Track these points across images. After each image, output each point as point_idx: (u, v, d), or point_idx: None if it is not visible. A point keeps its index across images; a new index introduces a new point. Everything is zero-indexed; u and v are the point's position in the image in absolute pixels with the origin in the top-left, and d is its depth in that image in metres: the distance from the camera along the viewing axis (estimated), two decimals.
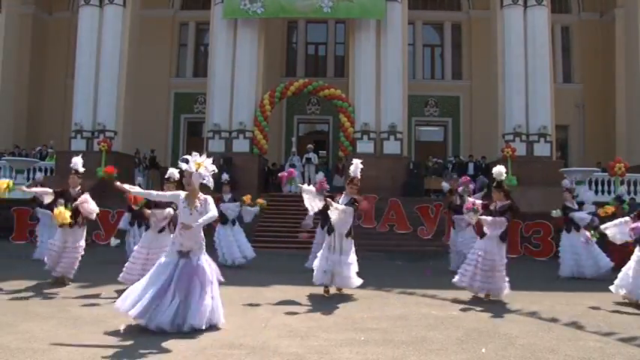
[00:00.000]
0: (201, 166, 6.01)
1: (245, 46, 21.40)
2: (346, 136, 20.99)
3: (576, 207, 11.79)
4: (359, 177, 8.60)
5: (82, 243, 9.22)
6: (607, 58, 25.22)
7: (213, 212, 6.13)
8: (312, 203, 8.71)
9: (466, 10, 26.91)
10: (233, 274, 11.10)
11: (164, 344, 5.27)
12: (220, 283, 6.27)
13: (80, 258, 9.17)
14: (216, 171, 6.21)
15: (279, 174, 10.13)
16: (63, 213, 8.63)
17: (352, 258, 8.42)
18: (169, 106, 26.95)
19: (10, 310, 6.72)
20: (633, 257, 8.15)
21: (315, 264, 8.47)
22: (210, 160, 6.14)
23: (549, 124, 20.73)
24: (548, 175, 18.73)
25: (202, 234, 6.16)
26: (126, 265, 8.16)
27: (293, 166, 20.99)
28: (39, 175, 16.39)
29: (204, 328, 5.73)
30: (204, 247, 6.18)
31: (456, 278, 8.39)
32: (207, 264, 6.10)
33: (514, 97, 20.83)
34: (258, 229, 16.84)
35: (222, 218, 12.03)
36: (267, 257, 13.79)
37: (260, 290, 8.84)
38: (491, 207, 8.41)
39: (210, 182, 6.10)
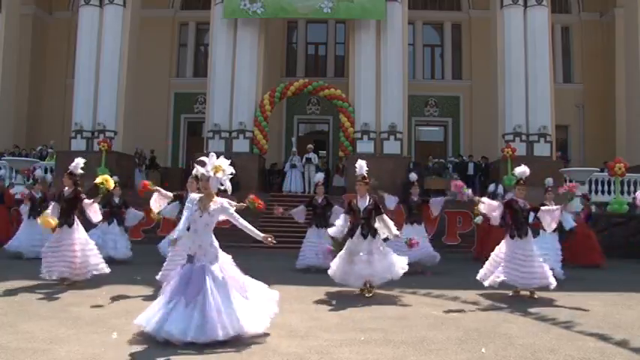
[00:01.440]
0: (220, 169, 5.73)
1: (245, 46, 21.41)
2: (346, 136, 21.00)
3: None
4: (365, 175, 8.63)
5: (75, 242, 9.08)
6: (607, 58, 25.24)
7: (236, 218, 5.95)
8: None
9: (466, 10, 26.92)
10: None
11: (164, 344, 5.27)
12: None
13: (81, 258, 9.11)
14: (234, 173, 5.89)
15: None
16: (45, 218, 8.68)
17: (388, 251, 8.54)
18: (169, 106, 26.96)
19: (10, 310, 6.72)
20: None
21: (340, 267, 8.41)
22: (228, 161, 5.85)
23: (549, 124, 20.74)
24: (548, 175, 18.69)
25: (214, 239, 5.84)
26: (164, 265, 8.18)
27: (294, 166, 21.01)
28: (39, 172, 16.32)
29: (220, 339, 5.26)
30: (217, 252, 5.82)
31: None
32: (219, 269, 5.70)
33: (514, 97, 20.83)
34: (259, 228, 16.81)
35: None
36: (266, 257, 13.79)
37: None
38: (516, 206, 8.59)
39: (228, 187, 5.84)
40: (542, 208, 8.74)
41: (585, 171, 18.95)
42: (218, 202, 5.85)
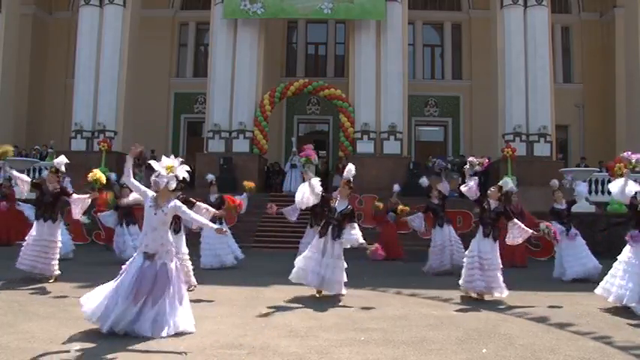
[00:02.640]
0: (171, 169, 5.89)
1: (245, 46, 21.41)
2: (346, 136, 21.00)
3: (563, 207, 11.54)
4: (351, 180, 8.62)
5: (58, 238, 9.22)
6: (607, 58, 25.23)
7: (188, 214, 6.12)
8: (305, 197, 8.62)
9: (466, 10, 26.90)
10: (233, 274, 11.13)
11: (164, 344, 5.28)
12: (189, 289, 6.40)
13: (57, 256, 9.17)
14: (187, 175, 6.06)
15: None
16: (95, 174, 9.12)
17: (343, 262, 8.40)
18: (169, 106, 26.95)
19: (10, 310, 6.72)
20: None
21: (300, 263, 8.38)
22: (179, 160, 6.03)
23: (549, 124, 20.74)
24: (548, 175, 18.73)
25: (170, 238, 6.03)
26: None
27: (294, 166, 21.00)
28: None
29: (163, 335, 5.50)
30: (172, 251, 5.99)
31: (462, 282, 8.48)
32: (173, 268, 5.88)
33: (514, 97, 20.83)
34: (259, 229, 16.84)
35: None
36: (267, 257, 13.79)
37: (260, 290, 8.84)
38: (484, 205, 8.45)
39: (170, 184, 5.92)
40: (515, 221, 8.44)
41: (585, 171, 18.95)
42: (172, 200, 5.99)
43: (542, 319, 6.88)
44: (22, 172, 19.09)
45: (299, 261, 8.42)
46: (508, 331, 6.17)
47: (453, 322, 6.64)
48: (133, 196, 7.02)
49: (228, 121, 21.18)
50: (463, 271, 8.50)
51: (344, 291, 8.32)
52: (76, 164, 13.40)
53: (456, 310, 7.48)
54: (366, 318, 6.86)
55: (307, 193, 8.56)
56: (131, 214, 12.87)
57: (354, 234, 8.19)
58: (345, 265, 8.39)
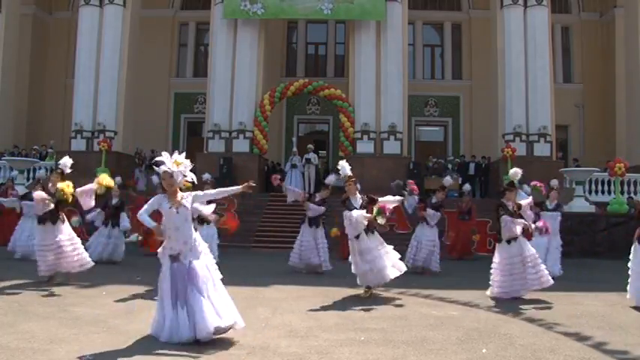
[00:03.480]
0: (179, 163, 5.66)
1: (245, 46, 21.42)
2: (346, 136, 21.00)
3: (552, 206, 11.79)
4: (350, 174, 8.67)
5: (64, 237, 9.08)
6: (607, 58, 25.23)
7: (211, 195, 5.94)
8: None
9: (466, 10, 26.90)
10: (232, 274, 11.12)
11: (164, 344, 5.27)
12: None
13: (73, 252, 9.09)
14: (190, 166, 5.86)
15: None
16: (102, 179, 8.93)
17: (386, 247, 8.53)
18: (169, 106, 26.96)
19: (10, 310, 6.72)
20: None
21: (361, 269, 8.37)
22: (183, 155, 5.78)
23: (549, 124, 20.75)
24: (548, 175, 18.72)
25: (193, 233, 5.66)
26: None
27: (294, 166, 21.01)
28: (42, 172, 16.36)
29: (211, 335, 5.27)
30: (197, 247, 5.63)
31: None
32: (202, 265, 5.57)
33: (514, 97, 20.84)
34: (259, 228, 16.84)
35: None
36: (267, 257, 13.79)
37: (260, 290, 8.84)
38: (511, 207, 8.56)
39: (193, 178, 5.81)
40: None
41: (585, 171, 18.96)
42: (185, 194, 5.73)
43: (542, 319, 6.88)
44: (22, 172, 19.26)
45: (359, 267, 8.36)
46: (508, 331, 6.16)
47: (453, 322, 6.64)
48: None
49: (228, 121, 21.19)
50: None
51: (392, 275, 8.39)
52: (76, 164, 13.35)
53: (456, 310, 7.48)
54: (366, 318, 6.85)
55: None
56: (117, 216, 12.77)
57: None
58: (390, 249, 8.52)
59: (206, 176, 12.57)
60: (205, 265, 5.61)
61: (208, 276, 5.55)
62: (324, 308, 7.46)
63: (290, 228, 15.20)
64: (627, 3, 23.18)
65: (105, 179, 9.00)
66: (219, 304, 5.45)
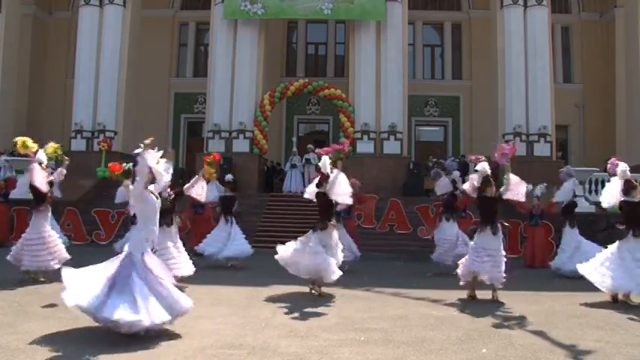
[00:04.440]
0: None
1: (245, 46, 21.41)
2: (346, 136, 20.97)
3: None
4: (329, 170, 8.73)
5: (42, 231, 9.20)
6: (607, 58, 25.22)
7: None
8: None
9: (466, 10, 26.90)
10: (233, 274, 11.14)
11: (164, 344, 5.28)
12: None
13: (46, 247, 9.15)
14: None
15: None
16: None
17: None
18: (169, 106, 26.95)
19: (10, 310, 6.72)
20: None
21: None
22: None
23: (549, 124, 20.74)
24: (548, 175, 18.73)
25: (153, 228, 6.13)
26: None
27: (294, 166, 21.00)
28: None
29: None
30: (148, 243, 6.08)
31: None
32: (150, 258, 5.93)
33: (514, 97, 20.84)
34: (260, 228, 16.84)
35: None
36: (268, 257, 13.74)
37: (260, 290, 8.84)
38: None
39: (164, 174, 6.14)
40: None
41: (585, 171, 18.95)
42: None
43: (542, 319, 6.88)
44: (21, 172, 19.27)
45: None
46: (508, 331, 6.17)
47: (453, 322, 6.64)
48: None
49: (228, 121, 21.18)
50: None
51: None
52: (76, 164, 13.40)
53: (456, 311, 7.48)
54: (366, 318, 6.85)
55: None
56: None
57: None
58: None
59: (228, 177, 12.87)
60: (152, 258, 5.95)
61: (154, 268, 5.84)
62: (324, 308, 7.46)
63: (291, 228, 15.19)
64: (627, 3, 23.18)
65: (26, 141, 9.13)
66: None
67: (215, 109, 21.29)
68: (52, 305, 6.82)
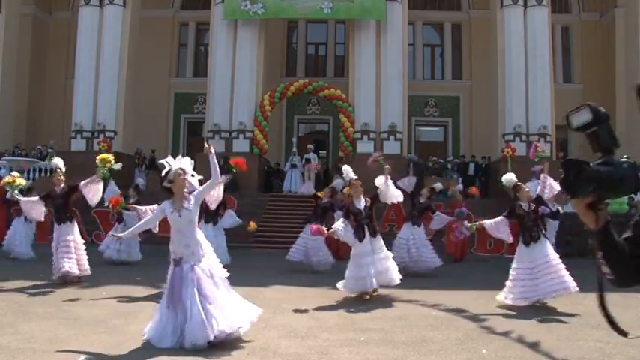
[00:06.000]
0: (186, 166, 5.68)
1: (245, 46, 21.41)
2: (346, 136, 21.00)
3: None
4: (355, 177, 8.65)
5: (72, 238, 9.20)
6: (607, 57, 25.23)
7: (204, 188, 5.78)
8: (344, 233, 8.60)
9: (466, 10, 26.90)
10: (232, 274, 11.10)
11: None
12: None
13: (78, 254, 9.16)
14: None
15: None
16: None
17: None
18: (169, 106, 26.95)
19: (10, 310, 6.72)
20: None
21: (354, 273, 8.28)
22: (187, 158, 5.82)
23: (549, 124, 20.75)
24: (550, 175, 18.71)
25: (196, 236, 5.55)
26: None
27: (294, 166, 21.01)
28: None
29: (209, 341, 5.09)
30: (199, 250, 5.51)
31: None
32: (205, 270, 5.43)
33: (514, 97, 20.85)
34: (259, 229, 16.81)
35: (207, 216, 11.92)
36: (267, 257, 13.79)
37: (260, 290, 8.82)
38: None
39: (196, 178, 5.79)
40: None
41: None
42: (187, 195, 5.62)
43: (542, 319, 6.88)
44: (22, 172, 19.29)
45: (352, 271, 8.28)
46: (508, 331, 6.16)
47: (453, 323, 6.64)
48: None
49: (228, 121, 21.18)
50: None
51: (395, 279, 8.48)
52: (76, 164, 13.37)
53: (456, 310, 7.47)
54: (366, 318, 6.86)
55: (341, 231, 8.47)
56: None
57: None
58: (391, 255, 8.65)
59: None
60: (208, 268, 5.50)
61: (210, 280, 5.41)
62: (324, 308, 7.46)
63: (290, 228, 15.20)
64: (627, 3, 23.20)
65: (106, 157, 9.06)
66: (222, 309, 5.28)
67: (215, 109, 21.30)
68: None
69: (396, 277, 8.48)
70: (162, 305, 5.39)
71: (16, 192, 9.72)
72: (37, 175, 20.17)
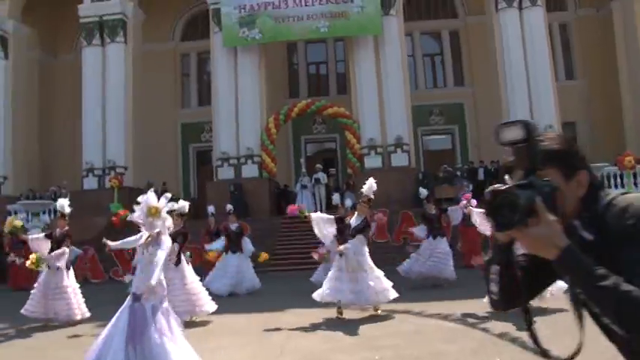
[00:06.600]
0: (156, 212, 5.32)
1: (246, 71, 21.65)
2: (353, 153, 21.07)
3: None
4: (372, 197, 8.71)
5: (67, 284, 9.17)
6: (608, 51, 25.13)
7: (159, 254, 5.30)
8: (324, 231, 8.81)
9: (462, 17, 27.00)
10: (248, 299, 11.19)
11: None
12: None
13: (73, 299, 9.11)
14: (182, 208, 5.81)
15: (288, 210, 10.38)
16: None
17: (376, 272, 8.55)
18: (177, 137, 27.20)
19: (27, 357, 6.82)
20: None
21: (329, 284, 8.42)
22: (167, 201, 5.54)
23: (555, 123, 20.69)
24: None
25: (160, 276, 5.28)
26: None
27: (304, 187, 21.04)
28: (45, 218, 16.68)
29: None
30: (159, 293, 5.29)
31: None
32: (159, 312, 5.20)
33: (517, 98, 20.87)
34: (275, 252, 16.89)
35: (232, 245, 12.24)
36: (283, 280, 13.84)
37: (276, 315, 8.88)
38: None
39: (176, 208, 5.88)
40: None
41: (596, 167, 18.84)
42: (160, 237, 5.41)
43: (553, 323, 6.83)
44: (36, 214, 19.59)
45: (327, 282, 8.43)
46: (521, 339, 6.15)
47: (468, 334, 6.66)
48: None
49: (235, 147, 21.36)
50: None
51: (388, 298, 8.39)
52: (89, 203, 13.60)
53: (470, 321, 7.47)
54: (381, 335, 6.88)
55: (319, 227, 8.68)
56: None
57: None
58: (381, 274, 8.55)
59: (229, 207, 13.16)
60: (167, 310, 5.34)
61: (164, 323, 5.20)
62: (339, 329, 7.49)
63: (306, 250, 15.22)
64: None
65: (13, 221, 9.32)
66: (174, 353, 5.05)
67: (221, 136, 21.51)
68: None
69: (376, 297, 8.33)
70: (117, 339, 5.00)
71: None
72: (52, 216, 20.41)
